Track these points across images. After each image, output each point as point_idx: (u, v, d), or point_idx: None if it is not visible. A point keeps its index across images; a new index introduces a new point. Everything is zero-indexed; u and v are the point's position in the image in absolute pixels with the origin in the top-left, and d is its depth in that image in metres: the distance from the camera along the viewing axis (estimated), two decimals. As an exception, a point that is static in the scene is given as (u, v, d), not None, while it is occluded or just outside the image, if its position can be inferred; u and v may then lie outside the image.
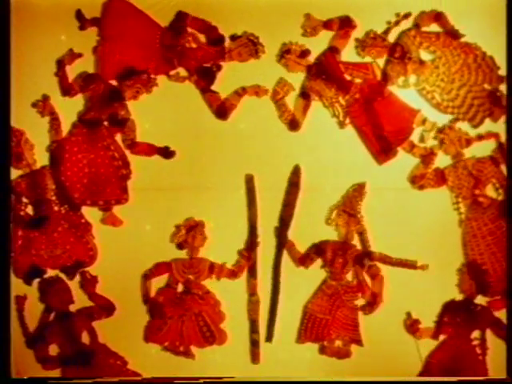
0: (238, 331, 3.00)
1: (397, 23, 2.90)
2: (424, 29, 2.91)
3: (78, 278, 3.00)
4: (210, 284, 3.00)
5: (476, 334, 2.93)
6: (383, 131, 2.92)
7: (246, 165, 2.98)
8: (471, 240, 2.93)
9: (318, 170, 2.97)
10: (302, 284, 2.99)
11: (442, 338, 2.95)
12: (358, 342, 2.98)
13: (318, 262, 2.98)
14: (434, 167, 2.93)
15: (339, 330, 2.98)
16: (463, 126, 2.92)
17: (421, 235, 2.95)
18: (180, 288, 3.00)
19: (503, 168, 2.91)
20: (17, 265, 2.98)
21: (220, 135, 2.99)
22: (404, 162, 2.94)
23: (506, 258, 2.87)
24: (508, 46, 2.85)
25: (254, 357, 3.00)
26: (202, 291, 2.99)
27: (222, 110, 2.96)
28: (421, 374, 2.96)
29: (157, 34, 2.98)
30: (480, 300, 2.94)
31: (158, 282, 3.00)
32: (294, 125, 2.96)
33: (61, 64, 2.95)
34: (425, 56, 2.93)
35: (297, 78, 2.95)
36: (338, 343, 3.00)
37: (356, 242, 2.98)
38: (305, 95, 2.95)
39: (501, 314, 2.91)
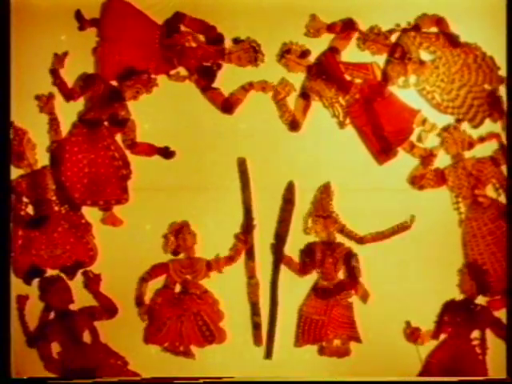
0: (238, 331, 3.00)
1: (404, 31, 2.90)
2: (424, 30, 2.91)
3: (78, 277, 3.00)
4: (208, 283, 3.00)
5: (476, 333, 2.93)
6: (383, 131, 2.91)
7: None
8: (471, 240, 2.93)
9: (318, 170, 2.97)
10: (297, 288, 2.99)
11: (442, 337, 2.95)
12: (357, 339, 2.98)
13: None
14: (434, 167, 2.93)
15: (336, 329, 2.97)
16: (463, 127, 2.92)
17: (421, 235, 2.95)
18: (178, 288, 3.00)
19: (503, 168, 2.91)
20: (17, 264, 2.97)
21: (220, 135, 2.99)
22: (404, 162, 2.94)
23: (506, 258, 2.87)
24: (508, 47, 2.84)
25: (257, 339, 2.99)
26: (200, 291, 2.99)
27: (227, 105, 2.95)
28: (421, 374, 2.96)
29: (156, 34, 2.97)
30: (480, 300, 2.94)
31: (156, 284, 2.99)
32: (294, 125, 2.96)
33: (54, 72, 2.95)
34: (425, 56, 2.92)
35: (297, 79, 2.95)
36: (337, 342, 3.00)
37: (341, 239, 2.97)
38: (305, 95, 2.95)
39: (501, 314, 2.91)
